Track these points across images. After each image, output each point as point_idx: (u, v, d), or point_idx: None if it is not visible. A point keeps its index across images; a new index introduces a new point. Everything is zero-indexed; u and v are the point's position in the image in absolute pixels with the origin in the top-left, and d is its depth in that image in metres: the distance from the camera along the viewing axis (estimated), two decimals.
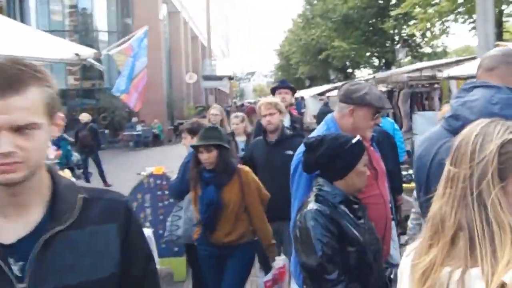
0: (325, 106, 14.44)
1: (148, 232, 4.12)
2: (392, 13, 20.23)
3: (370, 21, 26.37)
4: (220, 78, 39.19)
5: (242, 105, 25.82)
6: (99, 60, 5.25)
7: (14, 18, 23.47)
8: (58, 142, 12.24)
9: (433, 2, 17.26)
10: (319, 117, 13.71)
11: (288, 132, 4.08)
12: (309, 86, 37.83)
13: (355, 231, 2.00)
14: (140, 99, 5.94)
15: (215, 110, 6.32)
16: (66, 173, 4.28)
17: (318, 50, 31.29)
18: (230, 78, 41.80)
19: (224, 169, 3.28)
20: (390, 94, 9.57)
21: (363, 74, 34.85)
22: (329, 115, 2.54)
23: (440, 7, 16.63)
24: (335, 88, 21.46)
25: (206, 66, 40.60)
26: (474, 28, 17.35)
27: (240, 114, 6.15)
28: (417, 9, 17.87)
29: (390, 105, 2.24)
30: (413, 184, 5.29)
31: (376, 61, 29.82)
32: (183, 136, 4.23)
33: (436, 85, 8.90)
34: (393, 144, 4.55)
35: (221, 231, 3.32)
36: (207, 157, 3.22)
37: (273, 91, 5.32)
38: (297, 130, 4.49)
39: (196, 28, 35.96)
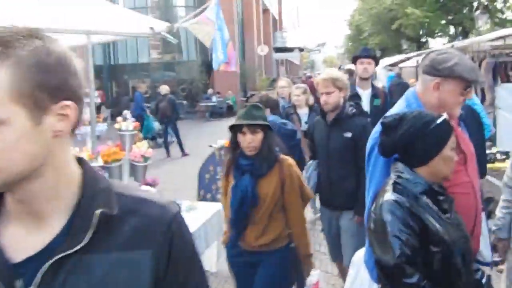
0: (397, 77, 14.45)
1: (218, 206, 4.31)
2: None
3: None
4: (290, 50, 39.66)
5: (310, 77, 26.12)
6: (175, 34, 5.50)
7: None
8: (141, 113, 13.58)
9: None
10: (392, 90, 13.87)
11: (350, 110, 3.58)
12: (381, 57, 36.94)
13: (440, 227, 1.74)
14: (237, 62, 6.27)
15: (283, 82, 6.25)
16: (142, 145, 4.53)
17: (390, 19, 30.50)
18: (301, 49, 42.05)
19: (267, 157, 2.77)
20: None
21: (437, 43, 33.59)
22: (410, 89, 2.25)
23: None
24: (408, 58, 21.10)
25: (277, 38, 41.19)
26: None
27: (302, 85, 5.99)
28: None
29: (483, 78, 2.13)
30: (498, 165, 5.42)
31: (452, 30, 28.60)
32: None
33: None
34: (478, 120, 4.20)
35: (252, 232, 2.83)
36: (251, 140, 2.73)
37: (354, 60, 4.92)
38: (360, 107, 3.92)
39: (267, 0, 36.41)
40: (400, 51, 35.71)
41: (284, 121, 4.56)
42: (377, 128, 2.07)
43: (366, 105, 4.49)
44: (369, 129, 2.90)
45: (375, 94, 4.65)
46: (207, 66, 24.00)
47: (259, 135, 2.74)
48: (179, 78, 24.30)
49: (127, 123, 4.61)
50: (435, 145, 1.82)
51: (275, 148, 2.87)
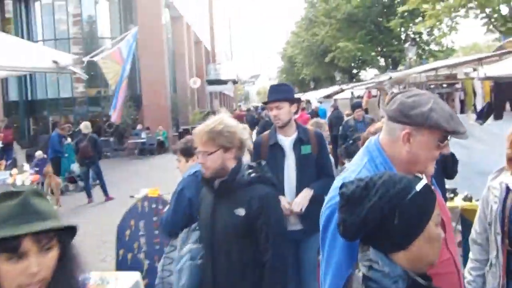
0: (336, 110, 13.72)
1: (136, 276, 3.55)
2: (400, 9, 19.80)
3: (375, 20, 25.98)
4: (224, 82, 39.12)
5: (249, 109, 25.47)
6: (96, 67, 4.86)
7: (21, 28, 23.69)
8: (56, 155, 12.11)
9: None
10: (332, 124, 13.22)
11: (246, 175, 2.40)
12: (314, 88, 37.52)
13: None
14: (120, 111, 5.73)
15: None
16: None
17: (322, 51, 30.97)
18: (235, 82, 41.65)
19: None
20: None
21: (369, 74, 34.51)
22: (372, 139, 1.79)
23: (450, 2, 16.24)
24: (342, 90, 21.05)
25: (210, 70, 40.53)
26: (486, 23, 16.96)
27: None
28: (425, 6, 17.47)
29: (464, 128, 1.53)
30: (447, 204, 4.77)
31: (381, 61, 29.42)
32: (177, 159, 3.45)
33: (456, 86, 8.49)
34: None
35: None
36: None
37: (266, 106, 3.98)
38: (264, 170, 2.49)
39: (200, 32, 35.73)
40: (333, 82, 36.35)
41: None
42: (334, 191, 1.65)
43: (290, 156, 3.55)
44: (272, 202, 2.38)
45: (301, 139, 3.53)
46: (136, 100, 22.58)
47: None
48: (106, 114, 22.55)
49: (23, 176, 3.78)
50: (416, 220, 1.30)
51: None
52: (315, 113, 13.30)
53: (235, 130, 2.39)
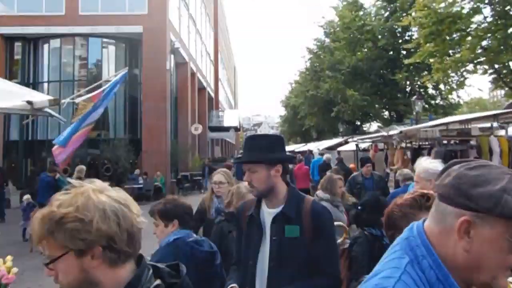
0: (340, 163, 13.10)
1: None
2: (406, 61, 19.66)
3: (380, 73, 25.97)
4: (226, 129, 38.92)
5: None
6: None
7: (28, 69, 23.71)
8: (44, 200, 11.46)
9: (450, 52, 16.68)
10: None
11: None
12: (317, 139, 37.16)
13: None
14: (70, 156, 5.39)
15: (219, 176, 4.32)
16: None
17: (327, 102, 30.84)
18: (237, 129, 41.45)
19: None
20: (415, 152, 8.59)
21: (373, 127, 34.25)
22: (413, 226, 1.24)
23: (458, 57, 16.03)
24: (346, 142, 20.66)
25: (213, 117, 40.45)
26: (496, 79, 16.70)
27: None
28: (432, 59, 17.31)
29: None
30: None
31: (386, 114, 29.23)
32: (154, 222, 2.88)
33: (471, 142, 7.99)
34: None
35: None
36: None
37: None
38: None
39: (204, 79, 35.90)
40: (335, 134, 36.01)
41: (199, 238, 3.02)
42: None
43: (268, 237, 2.45)
44: None
45: (287, 216, 2.42)
46: (135, 144, 22.14)
47: None
48: (104, 157, 22.05)
49: None
50: None
51: None
52: (326, 165, 12.51)
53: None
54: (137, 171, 20.99)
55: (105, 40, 23.45)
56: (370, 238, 4.20)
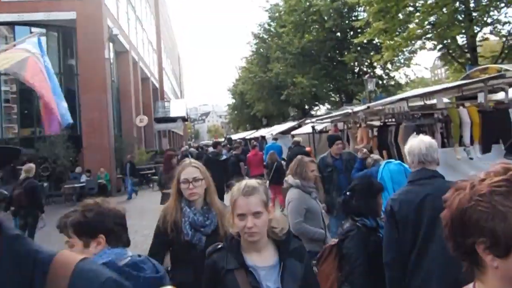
0: (296, 146, 12.36)
1: None
2: (356, 40, 19.30)
3: (329, 54, 25.62)
4: (173, 120, 37.44)
5: (200, 147, 23.79)
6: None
7: None
8: None
9: (400, 30, 16.45)
10: (291, 161, 11.91)
11: None
12: (267, 125, 36.60)
13: None
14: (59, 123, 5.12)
15: (192, 170, 3.05)
16: None
17: (276, 86, 30.26)
18: (184, 119, 40.06)
19: None
20: (382, 129, 8.03)
21: (322, 110, 34.10)
22: None
23: (408, 33, 15.81)
24: (299, 125, 20.03)
25: (159, 108, 38.81)
26: (444, 55, 16.64)
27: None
28: (382, 37, 17.03)
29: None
30: None
31: (335, 97, 29.05)
32: (67, 242, 2.04)
33: (435, 115, 7.53)
34: None
35: None
36: None
37: None
38: None
39: (147, 68, 34.18)
40: (285, 118, 35.57)
41: (137, 258, 2.09)
42: None
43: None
44: None
45: None
46: (75, 141, 20.47)
47: None
48: (40, 156, 20.22)
49: None
50: None
51: None
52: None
53: None
54: (78, 169, 19.42)
55: (34, 29, 21.39)
56: (364, 231, 3.47)
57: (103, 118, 20.50)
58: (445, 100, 9.37)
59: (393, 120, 8.09)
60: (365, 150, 7.00)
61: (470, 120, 7.20)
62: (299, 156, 4.81)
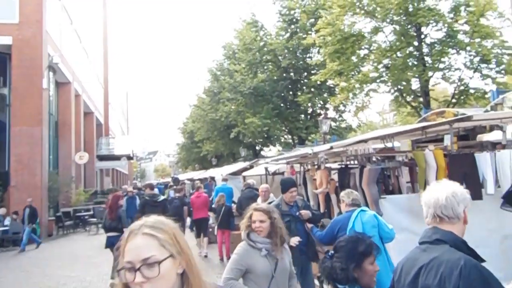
0: (248, 189, 11.33)
1: None
2: (313, 78, 18.92)
3: (282, 94, 25.17)
4: (117, 157, 35.47)
5: (139, 188, 21.74)
6: None
7: None
8: None
9: (355, 71, 16.22)
10: (241, 204, 10.82)
11: None
12: (216, 165, 35.44)
13: None
14: None
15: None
16: None
17: (226, 126, 29.41)
18: (129, 157, 38.13)
19: None
20: (344, 172, 7.17)
21: (273, 151, 33.46)
22: None
23: (363, 74, 15.57)
24: (251, 166, 19.11)
25: (102, 145, 36.76)
26: (397, 97, 16.48)
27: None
28: (338, 79, 16.73)
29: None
30: None
31: (287, 137, 28.53)
32: None
33: (398, 159, 6.83)
34: None
35: None
36: None
37: None
38: None
39: (91, 102, 32.34)
40: (235, 159, 34.58)
41: None
42: None
43: None
44: None
45: None
46: (2, 178, 18.35)
47: None
48: None
49: None
50: None
51: None
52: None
53: None
54: (2, 210, 17.17)
55: None
56: None
57: (35, 153, 18.56)
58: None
59: (355, 162, 7.29)
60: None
61: (436, 164, 6.53)
62: (253, 204, 3.83)
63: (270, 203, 6.49)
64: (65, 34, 24.96)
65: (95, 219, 20.45)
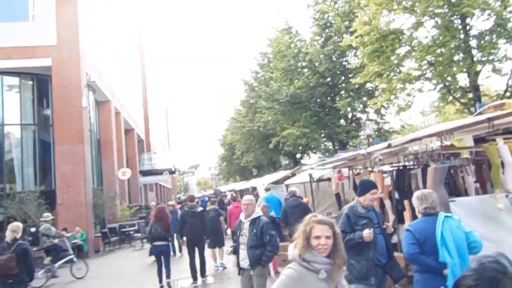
0: (292, 198, 10.79)
1: None
2: (353, 81, 18.25)
3: (320, 100, 24.57)
4: (160, 172, 35.82)
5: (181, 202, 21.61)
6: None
7: None
8: None
9: (396, 71, 15.44)
10: (286, 214, 10.33)
11: None
12: (257, 176, 35.09)
13: None
14: None
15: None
16: None
17: (265, 135, 29.06)
18: (171, 172, 38.44)
19: None
20: (401, 173, 6.50)
21: (312, 159, 32.75)
22: None
23: (405, 73, 14.77)
24: (293, 174, 18.64)
25: (144, 160, 37.28)
26: (444, 94, 15.57)
27: None
28: (378, 80, 16.01)
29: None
30: None
31: (327, 144, 27.83)
32: None
33: (463, 156, 6.17)
34: None
35: None
36: None
37: None
38: None
39: (131, 119, 32.88)
40: (275, 168, 34.12)
41: None
42: None
43: None
44: None
45: None
46: (48, 197, 18.69)
47: None
48: (8, 215, 18.34)
49: None
50: None
51: None
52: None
53: None
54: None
55: (6, 77, 20.09)
56: None
57: (79, 171, 18.84)
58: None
59: (411, 163, 6.63)
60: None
61: None
62: (310, 216, 3.14)
63: (256, 218, 6.01)
64: (102, 54, 25.48)
65: (139, 234, 20.48)
